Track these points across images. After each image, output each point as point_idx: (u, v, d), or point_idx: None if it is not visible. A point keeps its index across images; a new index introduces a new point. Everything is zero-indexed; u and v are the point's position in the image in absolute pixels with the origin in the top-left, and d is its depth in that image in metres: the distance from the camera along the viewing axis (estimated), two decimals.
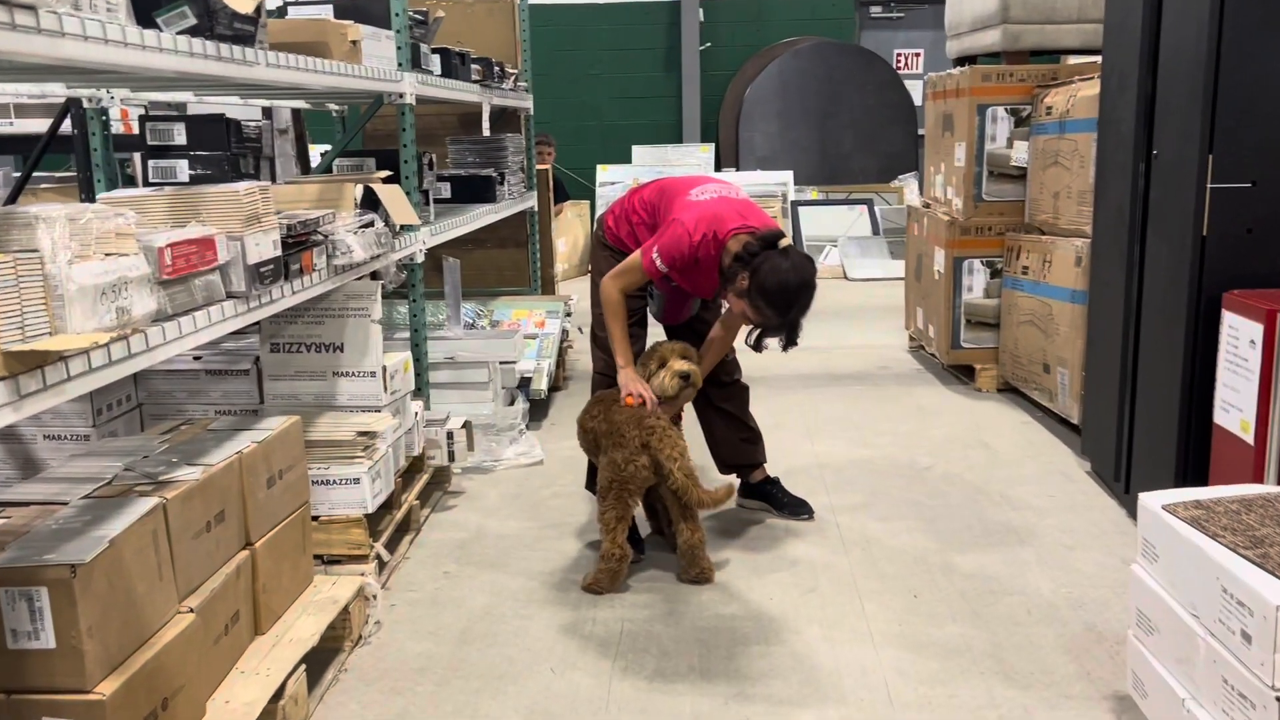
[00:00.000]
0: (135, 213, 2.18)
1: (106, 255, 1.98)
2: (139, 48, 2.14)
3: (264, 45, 2.77)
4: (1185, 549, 2.19)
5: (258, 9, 2.70)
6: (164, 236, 2.22)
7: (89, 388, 1.95)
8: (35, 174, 4.82)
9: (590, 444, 3.43)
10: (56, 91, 4.04)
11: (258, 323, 3.19)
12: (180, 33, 2.35)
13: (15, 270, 1.79)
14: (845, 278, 9.36)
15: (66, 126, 4.24)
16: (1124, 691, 2.58)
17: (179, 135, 3.11)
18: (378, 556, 3.24)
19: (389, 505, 3.43)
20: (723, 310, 3.60)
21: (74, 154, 4.25)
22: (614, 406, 3.31)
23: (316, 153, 6.04)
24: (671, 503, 3.27)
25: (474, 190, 5.28)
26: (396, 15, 3.93)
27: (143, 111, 4.70)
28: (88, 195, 4.07)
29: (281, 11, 4.10)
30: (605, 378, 3.54)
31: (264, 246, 2.62)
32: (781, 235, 3.21)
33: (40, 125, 4.86)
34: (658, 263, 3.26)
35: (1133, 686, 2.47)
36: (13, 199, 4.32)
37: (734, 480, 3.85)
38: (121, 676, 2.04)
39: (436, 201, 4.74)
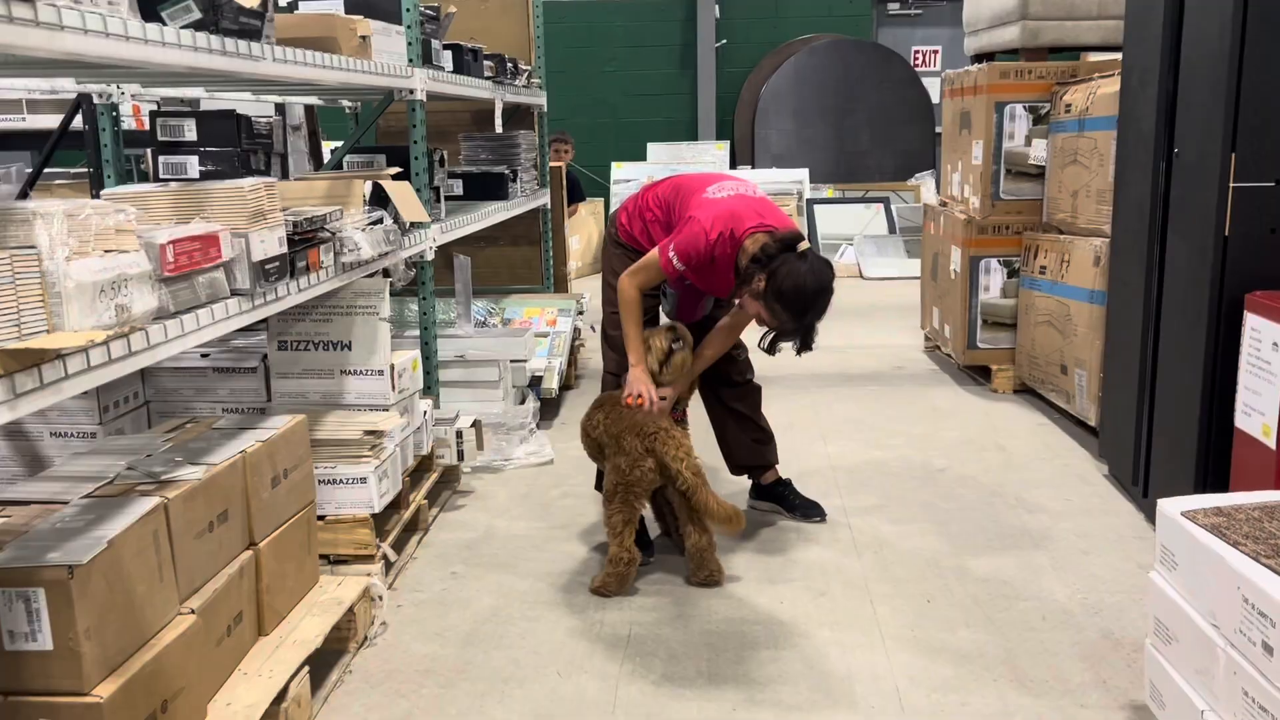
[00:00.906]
0: (138, 209, 2.16)
1: (106, 252, 1.96)
2: (141, 42, 2.12)
3: (271, 40, 2.75)
4: (1205, 557, 2.14)
5: (264, 3, 2.67)
6: (166, 233, 2.20)
7: (87, 386, 1.93)
8: (49, 170, 4.82)
9: (594, 449, 3.40)
10: (67, 87, 4.04)
11: (265, 320, 3.17)
12: (185, 27, 2.32)
13: (12, 267, 1.76)
14: (861, 276, 9.30)
15: (79, 122, 4.23)
16: (1141, 701, 2.53)
17: (189, 131, 3.08)
18: (384, 557, 3.21)
19: (396, 505, 3.40)
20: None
21: (85, 150, 4.24)
22: (615, 410, 3.27)
23: (329, 149, 6.02)
24: (679, 505, 3.23)
25: (486, 187, 5.25)
26: (407, 10, 3.91)
27: (154, 107, 4.70)
28: (98, 191, 4.06)
29: (292, 6, 4.07)
30: (616, 378, 3.50)
31: (269, 243, 2.59)
32: (800, 237, 3.16)
33: (52, 121, 4.87)
34: (674, 261, 3.22)
35: (1150, 697, 2.41)
36: (24, 194, 4.31)
37: (742, 497, 3.81)
38: (120, 678, 2.01)
39: (448, 198, 4.72)
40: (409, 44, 3.88)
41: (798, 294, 3.09)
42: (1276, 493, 2.44)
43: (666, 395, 3.33)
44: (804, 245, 3.13)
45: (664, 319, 3.62)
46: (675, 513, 3.31)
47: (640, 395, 3.25)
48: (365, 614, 2.95)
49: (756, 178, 9.10)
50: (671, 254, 3.22)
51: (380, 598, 3.02)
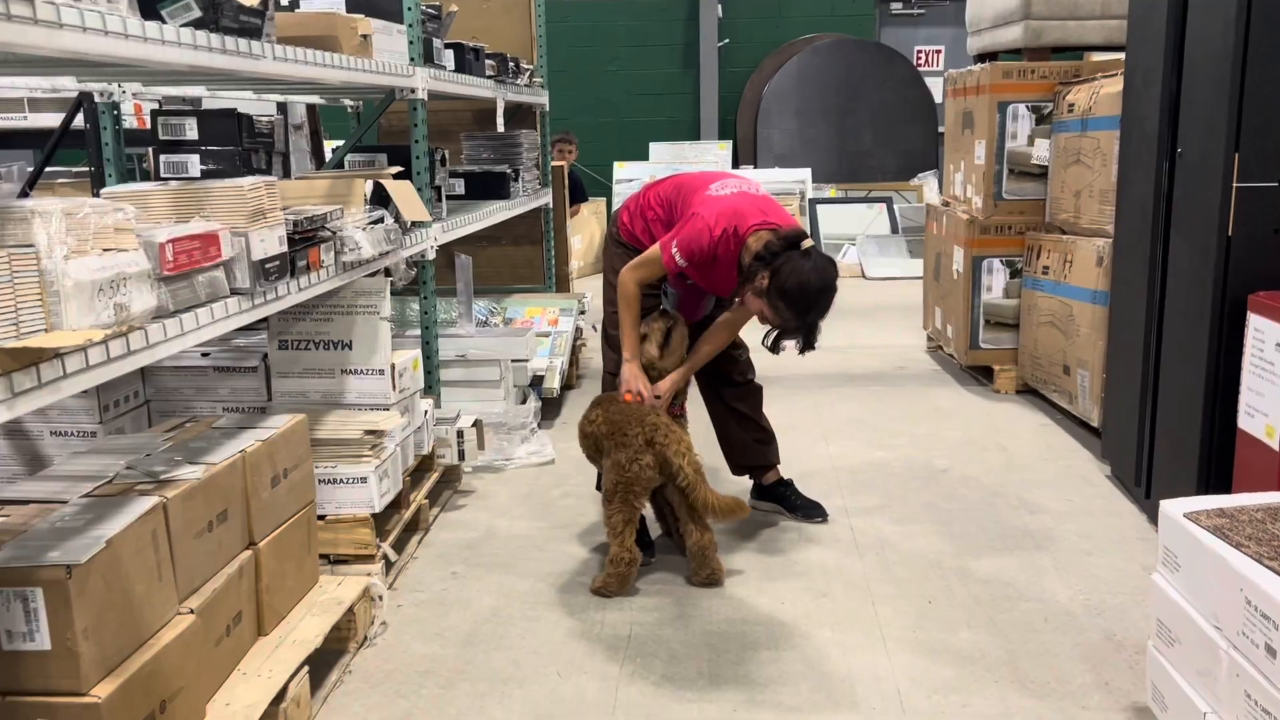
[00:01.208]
0: (137, 208, 2.15)
1: (105, 251, 1.95)
2: (140, 40, 2.11)
3: (271, 39, 2.74)
4: (1207, 558, 2.13)
5: (264, 1, 2.67)
6: (165, 232, 2.19)
7: (86, 385, 1.92)
8: (51, 169, 4.82)
9: (592, 449, 3.38)
10: (69, 85, 4.03)
11: (265, 319, 3.16)
12: (185, 25, 2.32)
13: (10, 265, 1.76)
14: (863, 276, 9.28)
15: (80, 121, 4.23)
16: (1143, 703, 2.52)
17: (190, 130, 3.09)
18: (384, 556, 3.20)
19: (397, 504, 3.39)
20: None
21: (87, 149, 4.24)
22: (612, 407, 3.27)
23: (331, 148, 6.02)
24: (680, 503, 3.22)
25: (488, 187, 5.24)
26: (409, 9, 3.90)
27: (156, 106, 4.70)
28: (99, 190, 4.06)
29: (293, 5, 4.06)
30: (616, 377, 3.50)
31: (269, 242, 2.59)
32: (804, 235, 3.15)
33: (54, 120, 4.86)
34: (677, 257, 3.21)
35: (1152, 699, 2.40)
36: (25, 193, 4.31)
37: (743, 497, 3.80)
38: (118, 679, 2.01)
39: (450, 198, 4.71)
40: (410, 43, 3.88)
41: (801, 291, 3.08)
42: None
43: (662, 393, 3.33)
44: (808, 243, 3.12)
45: None
46: (675, 512, 3.30)
47: (637, 392, 3.26)
48: (365, 614, 2.94)
49: (759, 177, 9.08)
50: (674, 250, 3.21)
51: (380, 598, 3.02)
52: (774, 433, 3.81)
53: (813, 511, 3.75)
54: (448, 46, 4.42)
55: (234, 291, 2.48)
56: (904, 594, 3.18)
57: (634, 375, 3.30)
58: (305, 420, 2.88)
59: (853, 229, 9.86)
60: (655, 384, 3.35)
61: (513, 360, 4.62)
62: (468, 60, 4.65)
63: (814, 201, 10.10)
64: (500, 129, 5.38)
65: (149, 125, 3.18)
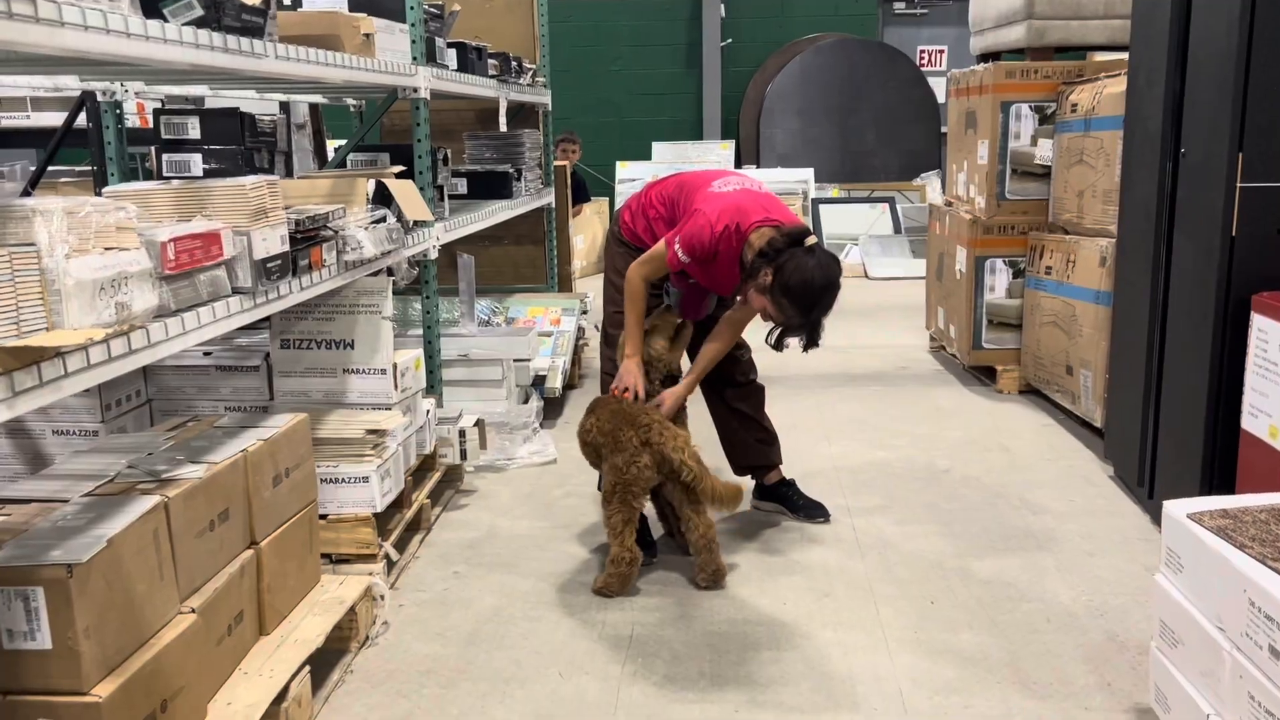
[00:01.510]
0: (139, 207, 2.15)
1: (106, 250, 1.95)
2: (142, 38, 2.11)
3: (273, 38, 2.74)
4: (1211, 559, 2.12)
5: (267, 0, 2.67)
6: (167, 231, 2.19)
7: (87, 384, 1.92)
8: (54, 168, 4.82)
9: (593, 456, 3.38)
10: (71, 85, 4.03)
11: (268, 318, 3.16)
12: (186, 24, 2.32)
13: (11, 264, 1.76)
14: (866, 276, 9.27)
15: (83, 120, 4.23)
16: (1145, 704, 2.51)
17: (193, 129, 3.10)
18: (386, 556, 3.20)
19: (399, 504, 3.39)
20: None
21: (90, 148, 4.24)
22: (604, 412, 3.27)
23: (334, 148, 6.02)
24: (680, 500, 3.21)
25: (491, 186, 5.24)
26: (411, 8, 3.90)
27: (159, 105, 4.70)
28: (101, 189, 4.06)
29: (296, 4, 4.06)
30: (613, 379, 3.49)
31: (271, 241, 2.59)
32: (808, 232, 3.15)
33: (56, 119, 4.86)
34: (679, 254, 3.21)
35: (1155, 700, 2.40)
36: (28, 192, 4.31)
37: (743, 483, 3.79)
38: (119, 678, 2.01)
39: (452, 197, 4.71)
40: (413, 42, 3.88)
41: (805, 289, 3.07)
42: None
43: (666, 403, 3.32)
44: (811, 240, 3.12)
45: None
46: (677, 510, 3.29)
47: (626, 388, 3.26)
48: (367, 613, 2.94)
49: (761, 177, 9.05)
50: (677, 247, 3.21)
51: (382, 597, 3.02)
52: (776, 433, 3.81)
53: (815, 511, 3.75)
54: (450, 46, 4.41)
55: (236, 290, 2.47)
56: (906, 594, 3.18)
57: (628, 371, 3.30)
58: (307, 419, 2.88)
59: (855, 229, 9.86)
60: (660, 393, 3.34)
61: (515, 360, 4.61)
62: (470, 60, 4.65)
63: (817, 201, 10.09)
64: (503, 128, 5.38)
65: (151, 124, 3.18)
